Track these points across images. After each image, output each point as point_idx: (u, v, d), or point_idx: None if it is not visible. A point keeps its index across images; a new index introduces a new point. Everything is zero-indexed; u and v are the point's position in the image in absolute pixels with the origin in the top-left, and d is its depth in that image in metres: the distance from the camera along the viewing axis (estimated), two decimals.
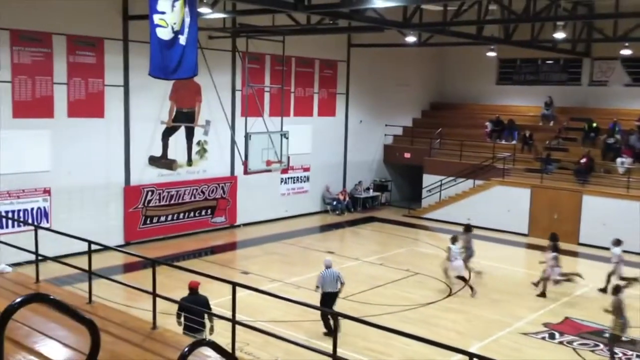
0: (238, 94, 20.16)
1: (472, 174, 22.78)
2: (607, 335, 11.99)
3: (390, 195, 26.37)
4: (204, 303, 9.44)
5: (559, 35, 17.62)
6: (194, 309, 8.78)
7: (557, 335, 12.15)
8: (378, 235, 21.61)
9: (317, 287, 11.74)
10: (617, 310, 10.78)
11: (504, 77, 27.26)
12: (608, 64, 24.11)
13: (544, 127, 24.39)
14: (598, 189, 20.16)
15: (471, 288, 14.45)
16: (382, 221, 23.22)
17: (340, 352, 6.41)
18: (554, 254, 14.63)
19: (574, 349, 11.51)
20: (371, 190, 25.50)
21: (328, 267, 11.88)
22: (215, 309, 9.70)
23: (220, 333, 9.76)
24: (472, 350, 11.25)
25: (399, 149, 25.93)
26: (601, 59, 24.25)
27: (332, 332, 11.20)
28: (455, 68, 27.91)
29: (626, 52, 21.20)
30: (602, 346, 11.61)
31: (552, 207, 20.64)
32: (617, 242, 15.18)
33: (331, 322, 10.39)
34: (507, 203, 21.57)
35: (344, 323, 10.09)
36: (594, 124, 22.70)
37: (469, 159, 23.37)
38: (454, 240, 15.02)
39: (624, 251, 15.54)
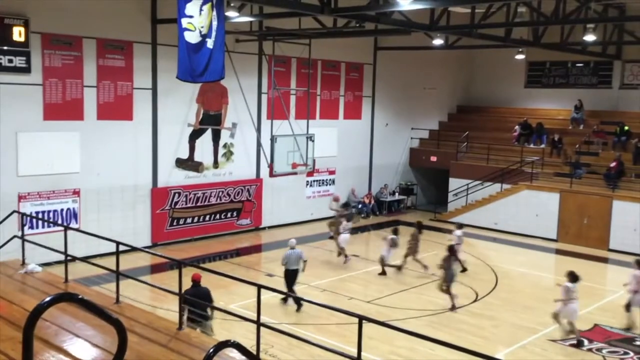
0: (264, 97, 20.25)
1: (499, 178, 22.53)
2: (638, 343, 11.76)
3: (416, 199, 26.21)
4: (206, 294, 9.92)
5: (589, 37, 17.33)
6: (196, 302, 9.09)
7: (586, 342, 11.93)
8: (403, 239, 21.44)
9: (282, 264, 13.40)
10: None
11: (532, 80, 26.91)
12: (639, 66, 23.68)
13: (573, 130, 24.02)
14: (629, 194, 19.77)
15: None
16: (407, 225, 23.07)
17: (364, 355, 6.38)
18: None
19: (603, 356, 11.30)
20: (397, 194, 25.39)
21: (292, 247, 13.49)
22: (240, 311, 9.74)
23: (245, 335, 9.80)
24: (498, 356, 11.14)
25: (425, 152, 25.77)
26: (632, 62, 23.81)
27: (299, 306, 13.00)
28: (483, 71, 27.66)
29: None
30: (632, 354, 11.37)
31: (582, 212, 20.30)
32: None
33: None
34: (535, 208, 21.28)
35: (368, 327, 10.05)
36: (626, 128, 22.28)
37: (496, 162, 23.12)
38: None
39: None
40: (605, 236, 19.81)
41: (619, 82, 24.48)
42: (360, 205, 23.73)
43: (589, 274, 17.57)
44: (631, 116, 23.17)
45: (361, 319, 6.37)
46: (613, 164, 20.68)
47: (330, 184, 23.13)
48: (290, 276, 13.33)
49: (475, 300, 14.36)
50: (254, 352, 6.75)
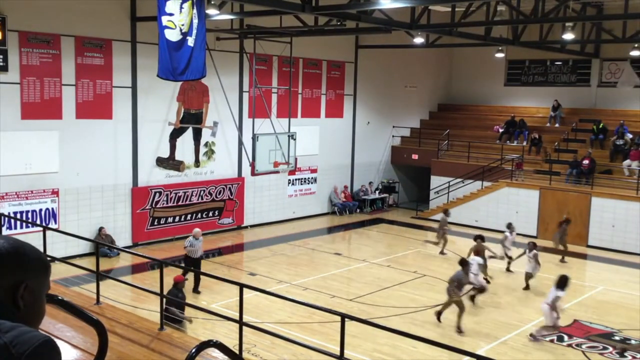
0: (245, 95, 20.18)
1: (480, 176, 22.71)
2: (617, 337, 11.94)
3: (397, 197, 26.32)
4: (184, 297, 10.32)
5: (568, 36, 17.53)
6: (174, 301, 9.13)
7: (565, 337, 12.07)
8: (385, 236, 21.56)
9: (185, 247, 14.02)
10: None
11: (512, 78, 27.16)
12: (617, 65, 23.98)
13: (552, 128, 24.28)
14: (607, 191, 20.03)
15: None
16: (389, 223, 23.18)
17: (347, 353, 6.39)
18: None
19: (583, 351, 11.44)
20: (378, 192, 25.47)
21: (196, 237, 13.91)
22: (222, 310, 9.68)
23: (227, 334, 9.76)
24: (480, 352, 11.21)
25: (407, 150, 25.89)
26: (610, 60, 24.13)
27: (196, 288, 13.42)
28: (463, 69, 27.85)
29: (636, 53, 21.07)
30: (611, 349, 11.52)
31: (561, 209, 20.53)
32: (509, 226, 16.65)
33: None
34: (515, 205, 21.48)
35: (351, 325, 10.07)
36: (602, 125, 22.57)
37: (477, 160, 23.30)
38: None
39: (634, 253, 15.47)
40: (584, 232, 20.06)
41: (597, 80, 24.79)
42: (340, 204, 23.78)
43: (568, 270, 17.80)
44: (609, 114, 23.48)
45: (344, 317, 6.38)
46: (586, 161, 20.93)
47: (312, 183, 23.14)
48: (194, 263, 13.79)
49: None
50: (237, 352, 6.72)
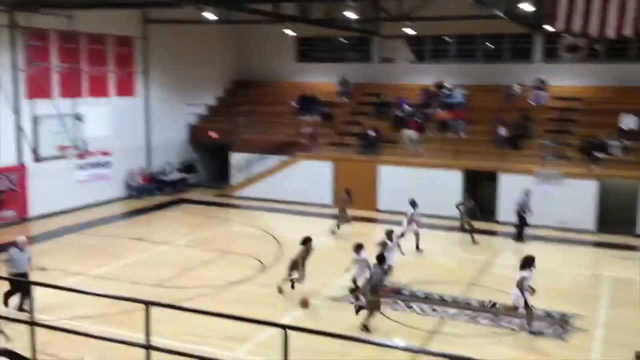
0: (21, 74, 18.24)
1: (278, 151, 23.26)
2: (405, 292, 13.13)
3: (198, 176, 25.96)
4: None
5: (350, 14, 18.52)
6: None
7: (362, 297, 12.93)
8: (188, 217, 21.20)
9: (9, 267, 11.23)
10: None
11: (303, 55, 28.09)
12: (395, 42, 25.97)
13: (341, 102, 25.66)
14: (392, 159, 21.77)
15: None
16: (191, 202, 22.82)
17: (154, 340, 6.16)
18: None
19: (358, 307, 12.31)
20: (178, 172, 24.86)
21: (21, 248, 11.42)
22: (10, 313, 8.74)
23: (19, 337, 8.86)
24: (285, 321, 11.58)
25: (205, 128, 25.58)
26: (388, 38, 26.03)
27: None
28: (256, 46, 28.11)
29: (409, 31, 22.95)
30: (401, 303, 12.63)
31: (353, 179, 21.87)
32: (413, 204, 16.83)
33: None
34: (312, 177, 22.43)
35: (157, 311, 9.75)
36: (384, 99, 24.41)
37: (275, 135, 23.82)
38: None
39: (419, 214, 17.00)
40: (373, 198, 21.66)
41: (378, 56, 26.65)
42: (138, 187, 22.82)
43: (359, 233, 19.10)
44: (389, 88, 25.42)
45: (147, 304, 6.12)
46: (372, 133, 22.53)
47: (105, 166, 21.78)
48: (23, 285, 10.80)
49: (262, 271, 14.74)
50: (29, 355, 6.13)
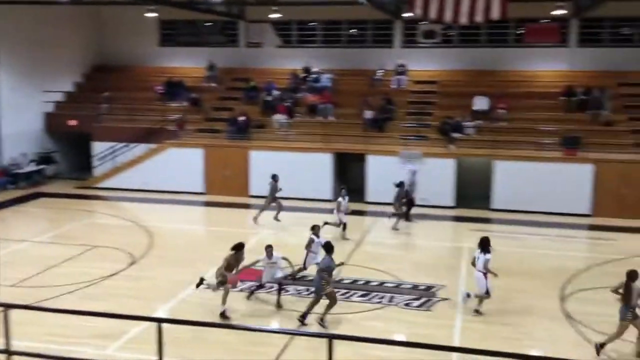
0: None
1: (145, 138, 22.41)
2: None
3: (57, 168, 24.37)
4: None
5: None
6: None
7: (239, 284, 12.88)
8: (47, 211, 19.89)
9: None
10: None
11: (166, 39, 27.20)
12: (261, 26, 25.89)
13: (209, 88, 25.21)
14: (263, 144, 21.78)
15: None
16: (50, 196, 21.42)
17: (16, 344, 5.74)
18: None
19: (252, 292, 12.37)
20: (34, 164, 23.18)
21: None
22: None
23: None
24: (158, 314, 11.30)
25: (63, 116, 24.01)
26: (254, 22, 25.89)
27: None
28: (115, 29, 26.78)
29: (276, 15, 22.98)
30: (276, 286, 12.73)
31: (224, 165, 21.65)
32: (342, 190, 16.62)
33: None
34: (181, 164, 21.87)
35: (16, 314, 9.09)
36: (253, 84, 24.31)
37: (140, 122, 22.92)
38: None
39: (290, 198, 17.19)
40: (246, 184, 21.58)
41: (244, 40, 26.44)
42: None
43: (232, 220, 19.03)
44: (257, 72, 25.34)
45: (6, 306, 5.68)
46: (241, 118, 22.40)
47: None
48: None
49: (132, 264, 14.21)
50: None
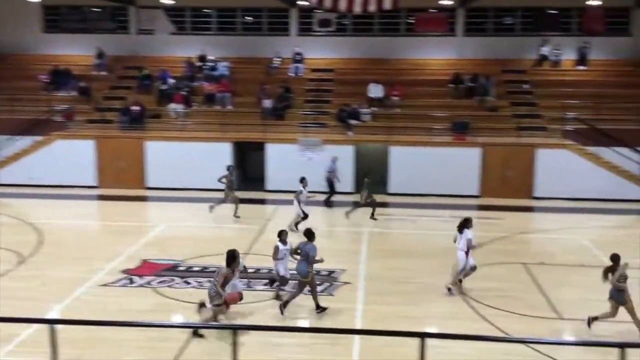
0: None
1: (29, 130, 21.07)
2: (181, 268, 12.98)
3: None
4: None
5: None
6: None
7: (136, 279, 12.51)
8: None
9: None
10: None
11: (51, 25, 25.69)
12: (153, 12, 25.04)
13: (99, 76, 24.12)
14: (159, 134, 21.16)
15: None
16: None
17: None
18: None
19: (154, 288, 12.08)
20: None
21: None
22: None
23: None
24: (52, 314, 10.75)
25: None
26: (146, 7, 25.00)
27: None
28: None
29: (168, 1, 22.31)
30: (177, 280, 12.48)
31: (118, 156, 20.85)
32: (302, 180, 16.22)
33: None
34: (71, 157, 20.81)
35: None
36: (146, 72, 23.52)
37: (24, 114, 21.52)
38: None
39: (189, 189, 16.81)
40: (141, 176, 20.90)
41: (135, 27, 25.48)
42: None
43: (128, 214, 18.43)
44: (150, 60, 24.54)
45: None
46: (135, 107, 21.66)
47: None
48: None
49: (20, 263, 13.39)
50: None
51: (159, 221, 17.15)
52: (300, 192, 15.95)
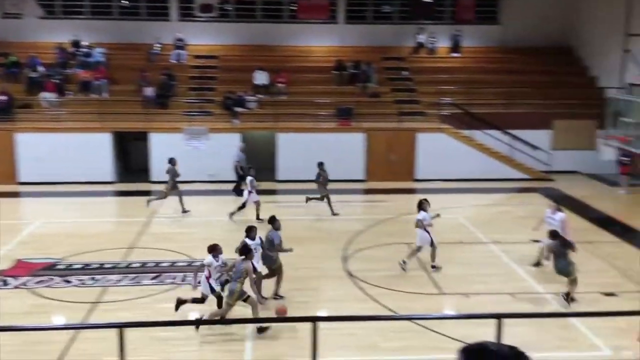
0: None
1: None
2: (60, 266, 12.29)
3: None
4: None
5: None
6: None
7: (10, 280, 11.71)
8: None
9: None
10: None
11: None
12: None
13: None
14: (30, 125, 19.80)
15: None
16: None
17: None
18: None
19: (30, 289, 11.36)
20: None
21: None
22: None
23: None
24: None
25: None
26: None
27: None
28: None
29: None
30: (56, 279, 11.81)
31: None
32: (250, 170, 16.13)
33: None
34: None
35: None
36: (13, 59, 21.89)
37: None
38: None
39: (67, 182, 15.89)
40: (12, 170, 19.52)
41: (0, 11, 23.60)
42: None
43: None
44: (17, 46, 22.87)
45: None
46: (2, 97, 20.14)
47: None
48: None
49: None
50: None
51: (34, 218, 16.11)
52: (252, 180, 15.90)
